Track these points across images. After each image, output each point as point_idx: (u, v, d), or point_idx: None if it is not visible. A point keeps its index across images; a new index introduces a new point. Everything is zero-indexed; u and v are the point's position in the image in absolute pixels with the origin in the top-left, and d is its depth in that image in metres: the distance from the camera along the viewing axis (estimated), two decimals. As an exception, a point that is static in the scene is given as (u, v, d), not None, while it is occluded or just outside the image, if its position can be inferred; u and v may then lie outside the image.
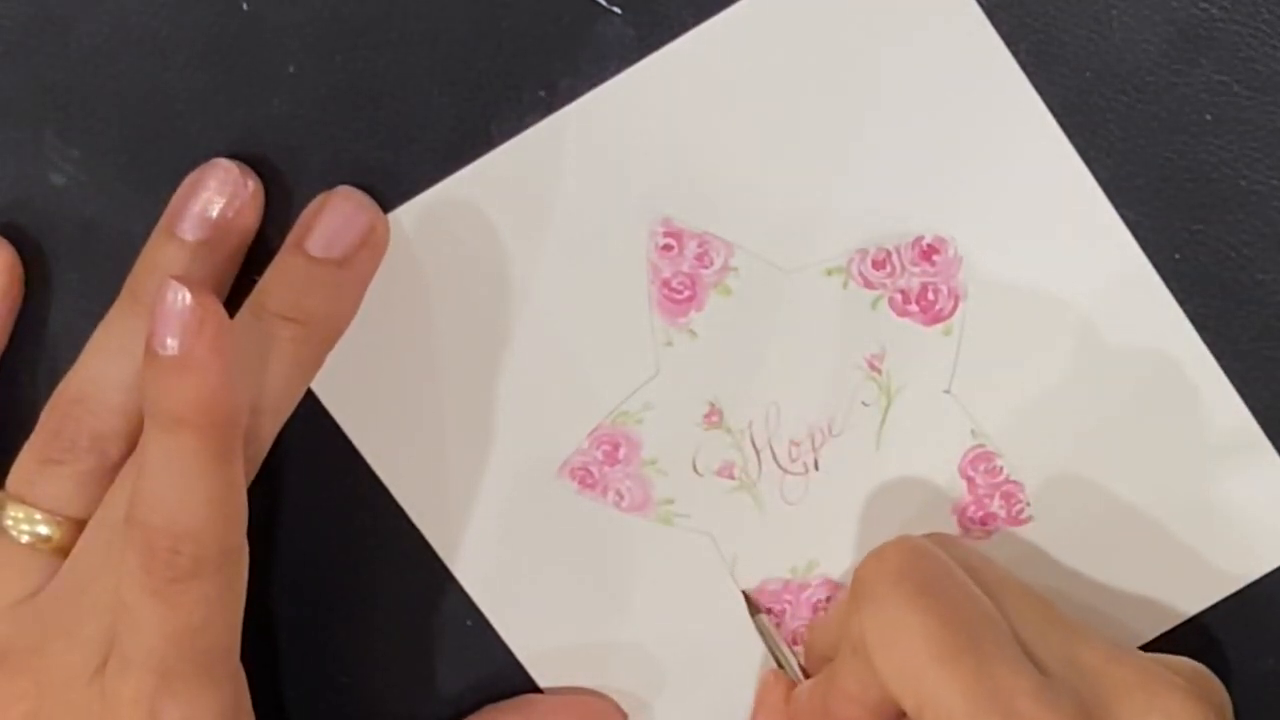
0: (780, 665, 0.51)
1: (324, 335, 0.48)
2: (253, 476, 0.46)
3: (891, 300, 0.50)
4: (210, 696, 0.45)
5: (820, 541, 0.51)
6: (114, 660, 0.45)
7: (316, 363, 0.48)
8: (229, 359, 0.43)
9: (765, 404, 0.51)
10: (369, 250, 0.48)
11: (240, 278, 0.48)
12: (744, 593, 0.52)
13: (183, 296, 0.43)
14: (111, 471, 0.47)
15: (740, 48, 0.48)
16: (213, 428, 0.43)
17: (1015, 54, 0.48)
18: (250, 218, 0.48)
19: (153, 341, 0.43)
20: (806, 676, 0.51)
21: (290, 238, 0.48)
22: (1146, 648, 0.51)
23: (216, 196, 0.48)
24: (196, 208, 0.48)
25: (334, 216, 0.48)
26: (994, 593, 0.45)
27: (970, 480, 0.51)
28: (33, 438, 0.47)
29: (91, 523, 0.46)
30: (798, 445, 0.51)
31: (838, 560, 0.51)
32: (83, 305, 0.49)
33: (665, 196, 0.49)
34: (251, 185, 0.48)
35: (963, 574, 0.45)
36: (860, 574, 0.45)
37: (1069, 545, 0.51)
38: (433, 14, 0.48)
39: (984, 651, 0.42)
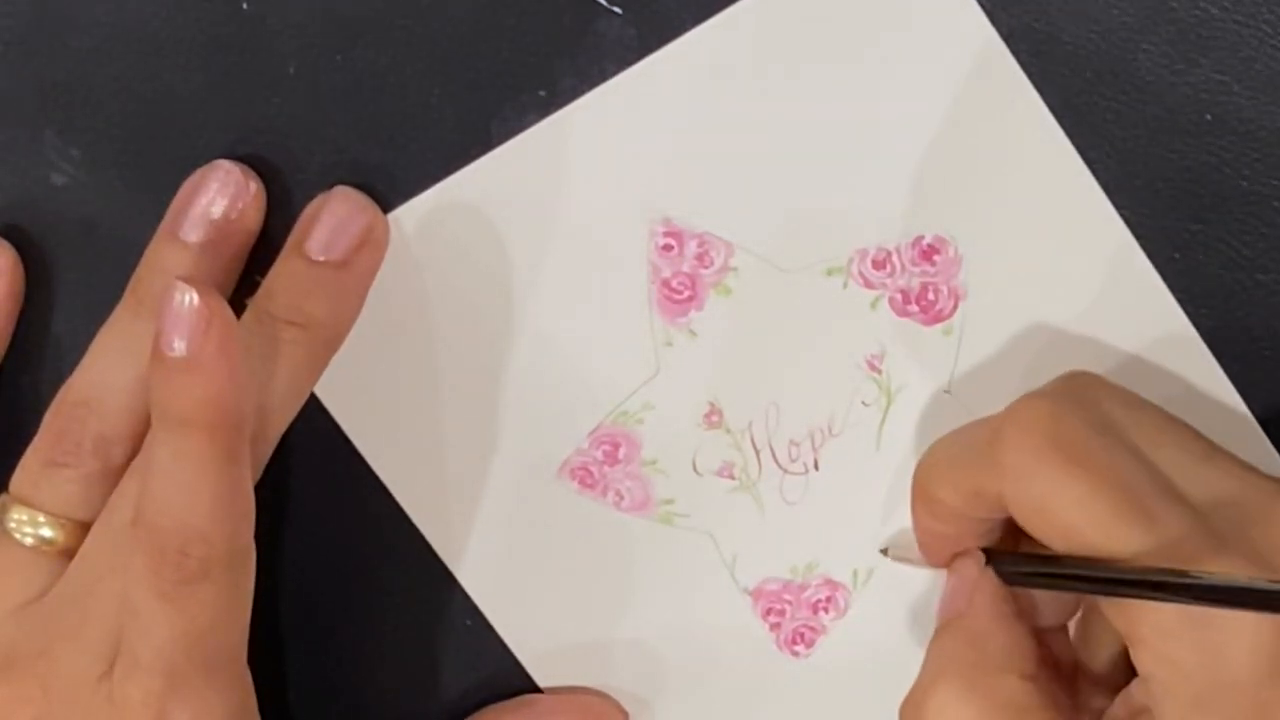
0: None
1: (327, 337, 0.47)
2: (257, 478, 0.46)
3: (891, 300, 0.50)
4: (218, 698, 0.45)
5: (820, 541, 0.51)
6: (121, 663, 0.45)
7: (320, 364, 0.48)
8: (236, 360, 0.43)
9: (765, 404, 0.51)
10: (369, 251, 0.48)
11: (242, 278, 0.48)
12: (882, 551, 0.51)
13: (190, 298, 0.43)
14: (116, 474, 0.47)
15: (740, 48, 0.48)
16: (220, 429, 0.43)
17: (1015, 54, 0.48)
18: (252, 219, 0.48)
19: (160, 343, 0.43)
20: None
21: (290, 241, 0.48)
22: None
23: (218, 198, 0.47)
24: (198, 210, 0.47)
25: (332, 218, 0.48)
26: (1128, 428, 0.45)
27: (970, 479, 0.51)
28: (36, 440, 0.47)
29: (97, 525, 0.46)
30: (798, 445, 0.51)
31: (838, 560, 0.51)
32: (84, 306, 0.49)
33: (665, 196, 0.49)
34: (253, 186, 0.48)
35: (1100, 424, 0.45)
36: (1005, 440, 0.44)
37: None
38: (433, 14, 0.48)
39: (1146, 506, 0.43)
